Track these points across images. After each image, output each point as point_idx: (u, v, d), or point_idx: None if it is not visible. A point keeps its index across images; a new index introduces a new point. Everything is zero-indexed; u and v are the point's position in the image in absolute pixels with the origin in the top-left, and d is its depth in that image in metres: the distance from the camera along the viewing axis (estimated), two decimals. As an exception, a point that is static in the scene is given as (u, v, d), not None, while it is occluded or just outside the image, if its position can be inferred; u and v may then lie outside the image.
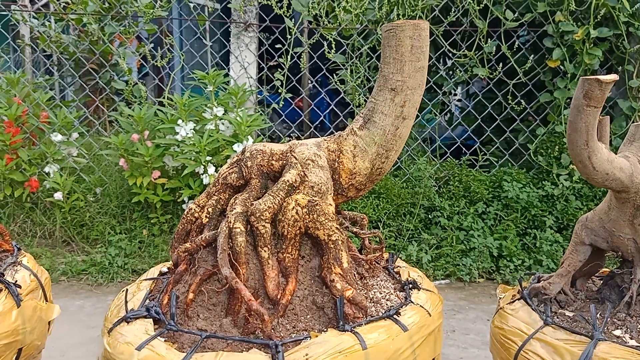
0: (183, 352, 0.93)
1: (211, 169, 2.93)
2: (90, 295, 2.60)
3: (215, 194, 1.19)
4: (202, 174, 2.94)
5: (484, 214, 3.32)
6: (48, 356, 1.98)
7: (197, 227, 1.17)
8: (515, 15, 3.34)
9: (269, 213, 1.08)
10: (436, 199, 3.32)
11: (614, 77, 1.06)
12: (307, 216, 1.10)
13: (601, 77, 1.05)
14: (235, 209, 1.10)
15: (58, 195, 2.92)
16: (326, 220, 1.10)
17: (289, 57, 3.37)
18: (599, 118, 1.12)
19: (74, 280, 2.72)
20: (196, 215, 1.18)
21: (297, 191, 1.11)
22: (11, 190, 2.97)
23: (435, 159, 3.61)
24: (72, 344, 2.14)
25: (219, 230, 1.07)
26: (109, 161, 3.20)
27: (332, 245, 1.09)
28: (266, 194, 1.11)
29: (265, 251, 1.08)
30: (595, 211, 1.25)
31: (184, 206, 3.05)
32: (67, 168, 3.09)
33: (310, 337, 0.96)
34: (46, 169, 3.01)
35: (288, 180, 1.11)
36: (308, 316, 1.06)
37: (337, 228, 1.11)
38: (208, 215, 1.17)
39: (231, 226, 1.06)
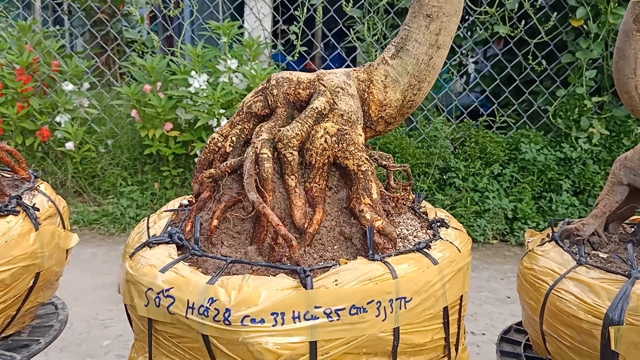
0: (208, 275, 0.89)
1: (224, 122, 2.87)
2: (103, 244, 2.59)
3: (239, 123, 1.14)
4: (215, 127, 2.89)
5: (499, 176, 3.27)
6: (61, 300, 1.98)
7: (220, 156, 1.13)
8: (541, -30, 3.21)
9: (297, 140, 1.03)
10: (451, 159, 3.26)
11: (669, 1, 0.99)
12: (336, 145, 1.05)
13: (656, 1, 0.98)
14: (261, 135, 1.05)
15: (69, 145, 2.88)
16: (356, 150, 1.06)
17: (304, 9, 3.27)
18: (648, 48, 1.06)
19: (85, 230, 2.72)
20: (219, 144, 1.14)
21: (326, 119, 1.06)
22: (22, 138, 2.94)
23: (451, 119, 3.54)
24: (84, 289, 2.14)
25: (245, 156, 1.03)
26: (120, 112, 3.15)
27: (361, 176, 1.05)
28: (294, 121, 1.05)
29: (292, 179, 1.03)
30: (635, 149, 1.19)
31: (196, 160, 3.01)
32: (79, 118, 3.04)
33: (339, 264, 0.93)
34: (57, 119, 2.97)
35: (317, 108, 1.06)
36: (335, 247, 1.02)
37: (366, 158, 1.06)
38: (232, 145, 1.12)
39: (258, 152, 1.02)
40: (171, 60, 3.01)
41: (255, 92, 1.17)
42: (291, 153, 1.03)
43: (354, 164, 1.05)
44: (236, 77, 3.05)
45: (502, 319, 2.16)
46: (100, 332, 1.86)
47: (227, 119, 2.90)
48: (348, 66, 3.49)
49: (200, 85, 2.90)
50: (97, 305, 2.01)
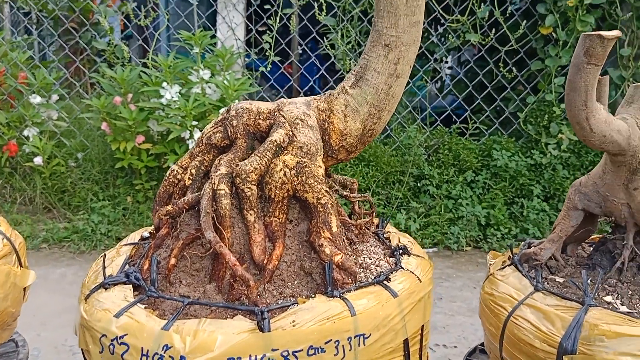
0: (164, 319, 0.89)
1: (197, 134, 2.85)
2: (73, 263, 2.54)
3: (199, 154, 1.13)
4: (188, 139, 2.87)
5: (472, 183, 3.31)
6: (28, 325, 1.93)
7: (179, 189, 1.12)
8: (510, -21, 3.25)
9: (255, 174, 1.03)
10: (425, 167, 3.29)
11: (616, 33, 1.01)
12: (295, 178, 1.05)
13: (603, 33, 1.00)
14: (219, 170, 1.05)
15: (38, 160, 2.83)
16: (315, 183, 1.06)
17: (278, 18, 3.26)
18: (598, 77, 1.08)
19: (55, 248, 2.66)
20: (178, 177, 1.13)
21: (285, 152, 1.06)
22: (-11, 154, 2.87)
23: (425, 127, 3.57)
24: (53, 312, 2.09)
25: (202, 192, 1.02)
26: (90, 125, 3.10)
27: (321, 209, 1.05)
28: (252, 155, 1.05)
29: (251, 215, 1.03)
30: (589, 175, 1.22)
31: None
32: (47, 132, 2.99)
33: (297, 303, 0.93)
34: (25, 133, 2.91)
35: (275, 140, 1.06)
36: (295, 282, 1.02)
37: (326, 191, 1.07)
38: (191, 177, 1.12)
39: (215, 188, 1.01)
40: (143, 71, 2.98)
41: (215, 122, 1.16)
42: (249, 188, 1.03)
43: (313, 197, 1.06)
44: (209, 87, 3.02)
45: (474, 329, 2.19)
46: (68, 358, 1.83)
47: (200, 130, 2.88)
48: (326, 70, 3.50)
49: (172, 97, 2.87)
50: (65, 330, 1.97)
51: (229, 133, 1.12)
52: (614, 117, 1.12)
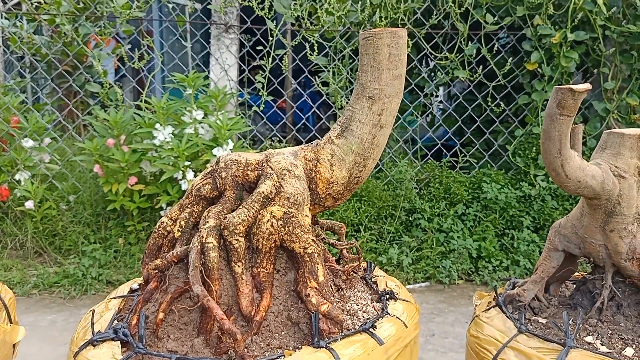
0: (153, 374, 0.90)
1: (190, 175, 2.88)
2: (63, 309, 2.52)
3: (188, 206, 1.16)
4: (181, 180, 2.89)
5: (463, 216, 3.34)
6: (18, 376, 1.90)
7: (169, 241, 1.14)
8: (495, 18, 3.37)
9: (243, 226, 1.06)
10: (417, 201, 3.33)
11: (586, 86, 1.06)
12: (282, 229, 1.08)
13: (574, 87, 1.05)
14: (208, 222, 1.07)
15: (29, 204, 2.83)
16: (302, 233, 1.08)
17: (270, 59, 3.34)
18: (572, 126, 1.13)
19: (45, 294, 2.64)
20: (168, 229, 1.15)
21: (273, 203, 1.09)
22: (-19, 198, 2.88)
23: (416, 161, 3.63)
24: (43, 361, 2.07)
25: (190, 245, 1.05)
26: (82, 167, 3.12)
27: (307, 259, 1.07)
28: (240, 207, 1.08)
29: (238, 266, 1.05)
30: (568, 217, 1.25)
31: (161, 213, 2.99)
32: (39, 175, 3.00)
33: (284, 355, 0.94)
34: (17, 177, 2.92)
35: (263, 192, 1.09)
36: (283, 332, 1.04)
37: (313, 240, 1.09)
38: (180, 229, 1.14)
39: (203, 241, 1.04)
40: (136, 112, 3.02)
41: (204, 174, 1.20)
42: (237, 240, 1.05)
43: (300, 247, 1.08)
44: (202, 128, 3.07)
45: (467, 366, 2.18)
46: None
47: (193, 171, 2.91)
48: (319, 105, 3.56)
49: (165, 138, 2.91)
50: (56, 379, 1.95)
51: (218, 184, 1.15)
52: (588, 163, 1.17)
